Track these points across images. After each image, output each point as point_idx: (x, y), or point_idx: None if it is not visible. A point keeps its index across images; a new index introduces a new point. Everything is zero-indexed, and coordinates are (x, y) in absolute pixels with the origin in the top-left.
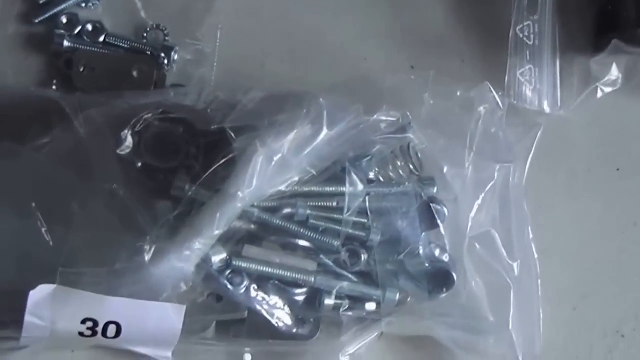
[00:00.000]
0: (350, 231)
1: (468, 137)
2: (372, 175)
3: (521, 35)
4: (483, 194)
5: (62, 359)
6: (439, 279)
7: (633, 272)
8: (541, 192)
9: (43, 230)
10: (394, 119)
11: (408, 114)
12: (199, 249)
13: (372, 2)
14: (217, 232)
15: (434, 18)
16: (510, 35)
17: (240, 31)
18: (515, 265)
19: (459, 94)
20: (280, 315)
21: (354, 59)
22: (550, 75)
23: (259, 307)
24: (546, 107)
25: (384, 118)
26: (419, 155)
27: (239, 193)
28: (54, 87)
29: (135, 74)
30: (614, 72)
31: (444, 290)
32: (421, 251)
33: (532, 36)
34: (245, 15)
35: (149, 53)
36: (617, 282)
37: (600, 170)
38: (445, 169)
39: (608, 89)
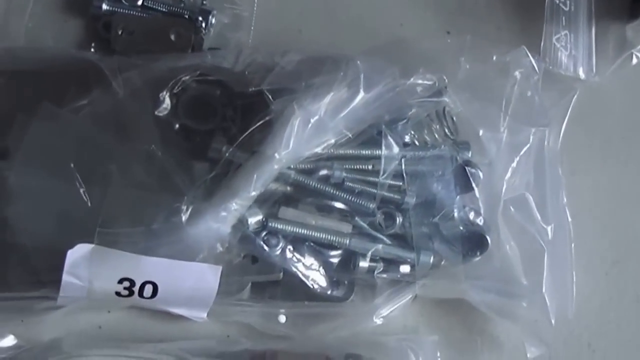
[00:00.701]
0: (386, 194)
1: (503, 101)
2: (407, 139)
3: (557, 1)
4: (518, 158)
5: (99, 319)
6: (473, 242)
7: None
8: (575, 157)
9: (81, 190)
10: (430, 83)
11: (444, 77)
12: (235, 210)
13: None
14: (253, 194)
15: None
16: (546, 1)
17: None
18: (549, 228)
19: (494, 58)
20: (315, 276)
21: (391, 24)
22: (586, 41)
23: (294, 269)
24: (581, 73)
25: (420, 82)
26: (454, 119)
27: (276, 154)
28: (93, 50)
29: (172, 37)
30: None
31: (478, 253)
32: (456, 214)
33: (568, 2)
34: None
35: (186, 16)
36: None
37: (634, 136)
38: (480, 133)
39: None
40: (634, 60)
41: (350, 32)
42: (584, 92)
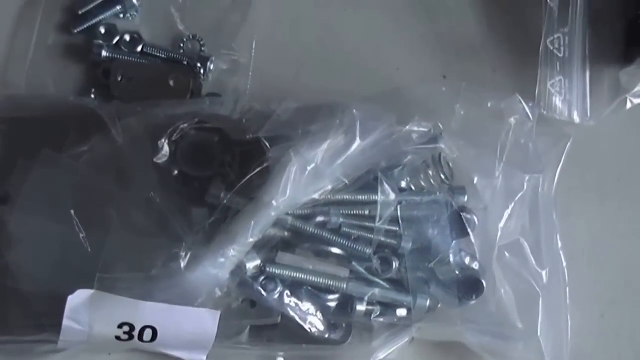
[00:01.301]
0: (382, 239)
1: (498, 148)
2: (403, 185)
3: (552, 48)
4: (512, 204)
5: None
6: (469, 286)
7: None
8: (571, 199)
9: (81, 236)
10: (425, 130)
11: (439, 124)
12: (233, 256)
13: (404, 14)
14: (251, 240)
15: (466, 28)
16: (540, 48)
17: (275, 42)
18: (544, 273)
19: (489, 104)
20: (313, 320)
21: (387, 68)
22: (580, 86)
23: (292, 313)
24: (576, 118)
25: (415, 129)
26: (450, 165)
27: (273, 202)
28: (93, 96)
29: (172, 83)
30: None
31: (474, 297)
32: (451, 259)
33: (562, 48)
34: (279, 26)
35: (185, 63)
36: None
37: (629, 179)
38: (475, 179)
39: (637, 100)
40: (629, 105)
41: (347, 76)
42: (579, 136)
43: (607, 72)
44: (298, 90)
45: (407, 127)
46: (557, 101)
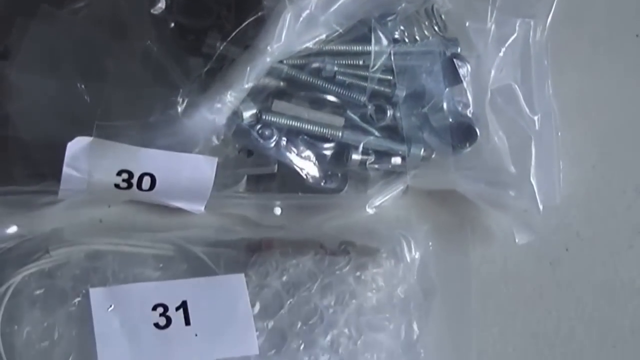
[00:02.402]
0: (376, 87)
1: None
2: (397, 35)
3: None
4: (504, 48)
5: (100, 213)
6: (462, 133)
7: None
8: (563, 52)
9: (80, 87)
10: None
11: None
12: (230, 102)
13: None
14: (247, 86)
15: None
16: None
17: None
18: (536, 118)
19: None
20: (309, 168)
21: None
22: None
23: (288, 161)
24: None
25: None
26: (443, 17)
27: (268, 47)
28: None
29: None
30: None
31: (467, 144)
32: (445, 106)
33: None
34: None
35: None
36: (635, 142)
37: (622, 31)
38: (467, 24)
39: None
40: None
41: None
42: None
43: None
44: None
45: None
46: None
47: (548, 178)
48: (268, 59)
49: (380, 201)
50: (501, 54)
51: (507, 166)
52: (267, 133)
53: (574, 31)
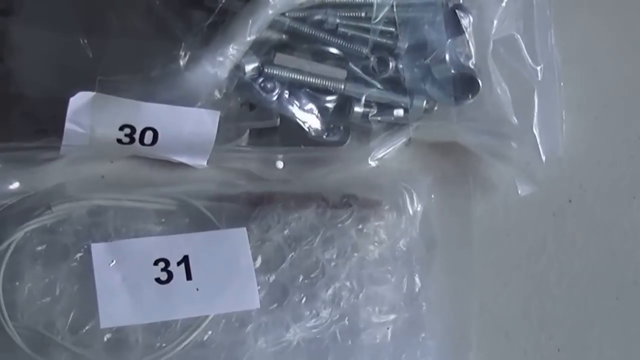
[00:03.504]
0: (378, 39)
1: None
2: None
3: None
4: None
5: (102, 169)
6: (465, 84)
7: None
8: (565, 1)
9: (83, 42)
10: None
11: None
12: (232, 55)
13: None
14: (249, 39)
15: None
16: None
17: None
18: (538, 69)
19: None
20: (312, 121)
21: None
22: None
23: (290, 114)
24: None
25: None
26: None
27: (270, 0)
28: None
29: None
30: None
31: (470, 96)
32: (447, 57)
33: None
34: None
35: None
36: (638, 92)
37: None
38: None
39: None
40: None
41: None
42: None
43: None
44: None
45: None
46: None
47: (551, 129)
48: (270, 12)
49: (383, 154)
50: (503, 4)
51: (509, 117)
52: (269, 86)
53: None
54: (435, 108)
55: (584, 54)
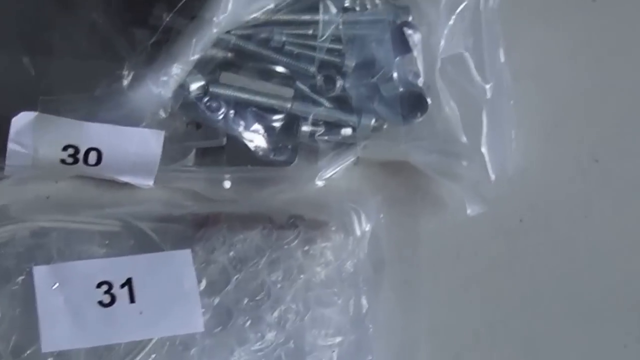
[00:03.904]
0: (325, 57)
1: None
2: (347, 3)
3: None
4: (455, 16)
5: (47, 189)
6: (413, 103)
7: (605, 99)
8: (515, 19)
9: (25, 61)
10: None
11: None
12: (176, 74)
13: None
14: (193, 57)
15: None
16: None
17: None
18: (487, 87)
19: None
20: (259, 141)
21: None
22: None
23: (237, 133)
24: None
25: None
26: None
27: (214, 18)
28: None
29: None
30: None
31: (418, 114)
32: (395, 75)
33: None
34: None
35: None
36: (589, 110)
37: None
38: None
39: None
40: None
41: None
42: None
43: None
44: None
45: None
46: None
47: (500, 148)
48: (215, 30)
49: (331, 173)
50: (452, 21)
51: (458, 136)
52: (214, 105)
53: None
54: (384, 127)
55: (535, 71)
